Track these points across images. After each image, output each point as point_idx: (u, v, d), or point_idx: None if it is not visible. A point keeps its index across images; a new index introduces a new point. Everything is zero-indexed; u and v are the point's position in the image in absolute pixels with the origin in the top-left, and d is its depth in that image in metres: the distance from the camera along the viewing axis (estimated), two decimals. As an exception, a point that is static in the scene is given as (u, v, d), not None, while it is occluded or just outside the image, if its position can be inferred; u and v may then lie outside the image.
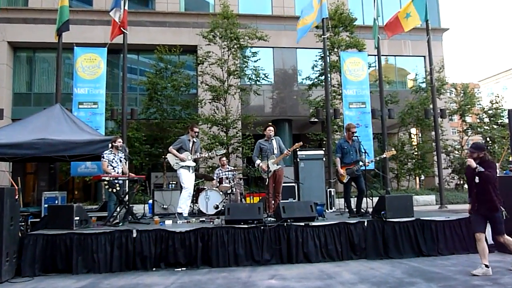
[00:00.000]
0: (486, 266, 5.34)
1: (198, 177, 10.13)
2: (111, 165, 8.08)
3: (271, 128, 8.22)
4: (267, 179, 7.99)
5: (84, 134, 8.39)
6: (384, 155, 8.53)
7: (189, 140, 8.21)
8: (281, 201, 7.76)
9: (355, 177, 8.11)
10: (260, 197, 9.80)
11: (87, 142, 8.02)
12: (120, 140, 8.21)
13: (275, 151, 8.11)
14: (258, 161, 8.11)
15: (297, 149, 10.28)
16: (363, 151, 8.03)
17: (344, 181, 8.12)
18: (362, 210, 8.04)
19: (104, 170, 8.01)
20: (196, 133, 8.25)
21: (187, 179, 8.05)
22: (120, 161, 8.30)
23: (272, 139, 8.18)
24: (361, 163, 8.05)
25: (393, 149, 8.25)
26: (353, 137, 8.19)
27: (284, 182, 9.50)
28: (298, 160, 10.52)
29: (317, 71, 17.67)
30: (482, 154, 5.44)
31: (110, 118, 12.58)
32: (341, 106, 14.44)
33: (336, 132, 16.58)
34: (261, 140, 8.32)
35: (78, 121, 9.11)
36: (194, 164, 8.21)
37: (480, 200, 5.36)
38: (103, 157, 8.01)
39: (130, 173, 7.98)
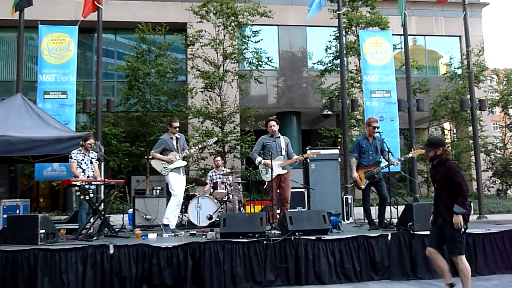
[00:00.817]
0: (450, 286, 5.18)
1: (188, 182, 10.16)
2: (80, 167, 8.11)
3: (273, 123, 8.18)
4: (267, 183, 7.97)
5: (50, 130, 8.47)
6: (411, 155, 8.49)
7: (171, 138, 8.26)
8: (288, 210, 7.76)
9: (375, 182, 8.11)
10: (263, 206, 9.83)
11: (54, 139, 8.11)
12: (92, 140, 8.25)
13: (283, 152, 8.08)
14: (259, 158, 8.08)
15: (308, 148, 10.34)
16: (387, 150, 8.03)
17: (362, 186, 8.13)
18: (386, 221, 8.05)
19: (73, 173, 8.03)
20: (177, 128, 8.31)
21: (178, 184, 8.10)
22: (91, 162, 8.33)
23: (278, 137, 8.16)
24: (382, 164, 8.06)
25: (420, 147, 8.29)
26: (375, 134, 8.18)
27: (292, 188, 9.44)
28: (308, 161, 10.53)
29: (331, 53, 17.66)
30: (440, 151, 5.18)
31: (82, 111, 12.52)
32: (361, 95, 14.41)
33: (354, 127, 16.55)
34: (265, 136, 8.29)
35: (44, 114, 9.19)
36: (184, 163, 8.29)
37: (436, 209, 5.26)
38: (71, 157, 8.05)
39: (105, 178, 8.09)
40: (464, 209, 4.92)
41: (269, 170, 7.80)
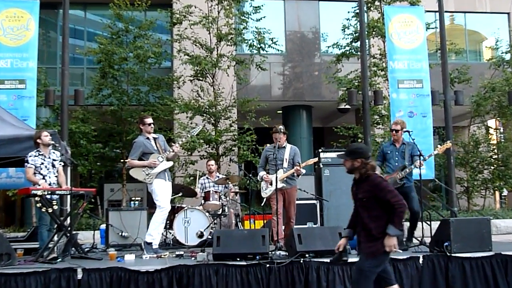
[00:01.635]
0: None
1: (173, 191, 10.13)
2: (39, 172, 8.06)
3: (279, 135, 8.48)
4: (265, 200, 8.37)
5: (5, 127, 8.48)
6: (436, 151, 8.62)
7: (148, 139, 8.40)
8: (296, 226, 7.85)
9: (403, 193, 8.09)
10: (265, 221, 9.87)
11: (10, 139, 8.12)
12: (46, 133, 8.15)
13: (285, 164, 8.44)
14: (262, 173, 8.56)
15: (321, 150, 10.35)
16: (418, 153, 8.16)
17: None
18: (416, 240, 8.07)
19: (30, 180, 8.00)
20: (151, 126, 8.41)
21: (164, 193, 8.21)
22: (54, 165, 8.28)
23: (284, 146, 8.56)
24: (407, 169, 8.16)
25: (448, 141, 8.37)
26: (404, 141, 8.46)
27: (299, 199, 9.76)
28: (321, 166, 10.59)
29: (349, 34, 17.61)
30: (358, 163, 5.13)
31: (44, 104, 12.39)
32: (386, 86, 14.36)
33: (377, 124, 16.53)
34: (269, 146, 8.74)
35: (-3, 107, 9.22)
36: (170, 164, 8.43)
37: (360, 233, 5.23)
38: (27, 162, 8.01)
39: (73, 186, 8.09)
40: (399, 231, 4.92)
41: (269, 184, 8.26)
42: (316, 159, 8.99)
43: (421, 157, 8.14)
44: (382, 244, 4.86)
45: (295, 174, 8.42)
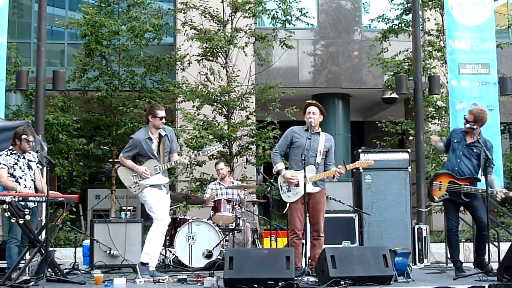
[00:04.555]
0: None
1: (175, 200, 10.27)
2: (11, 174, 8.13)
3: (314, 108, 8.24)
4: (288, 205, 8.11)
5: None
6: None
7: (150, 138, 8.32)
8: (328, 246, 7.79)
9: (464, 203, 8.26)
10: (288, 237, 9.81)
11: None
12: (30, 138, 8.18)
13: (318, 158, 8.15)
14: (280, 165, 8.22)
15: (361, 150, 10.45)
16: (485, 157, 8.11)
17: (436, 198, 8.38)
18: (487, 266, 8.03)
19: (3, 185, 8.07)
20: (162, 120, 8.38)
21: (158, 202, 8.20)
22: (30, 167, 8.35)
23: (318, 133, 8.25)
24: (479, 187, 8.18)
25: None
26: (481, 139, 8.25)
27: (333, 211, 9.88)
28: (361, 170, 10.54)
29: (399, 5, 17.45)
30: None
31: (14, 88, 12.67)
32: (444, 70, 14.39)
33: (432, 118, 16.50)
34: (298, 127, 8.37)
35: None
36: (166, 180, 8.35)
37: None
38: None
39: (49, 191, 7.98)
40: None
41: (294, 186, 7.96)
42: (371, 162, 8.68)
43: (490, 164, 8.06)
44: None
45: (335, 177, 8.21)
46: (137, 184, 8.17)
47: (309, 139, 8.02)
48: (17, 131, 8.21)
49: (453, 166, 8.28)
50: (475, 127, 8.23)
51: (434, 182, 8.33)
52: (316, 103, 8.45)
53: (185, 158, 8.52)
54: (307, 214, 7.97)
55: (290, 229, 8.12)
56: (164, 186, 8.29)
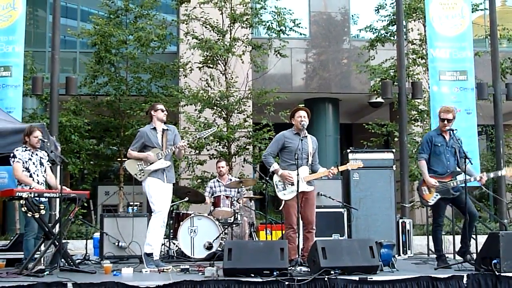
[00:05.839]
0: None
1: (178, 195, 10.21)
2: (26, 169, 8.05)
3: (303, 113, 8.10)
4: (283, 202, 8.00)
5: (-14, 120, 8.67)
6: (503, 172, 8.46)
7: (154, 128, 8.35)
8: (319, 239, 7.64)
9: (453, 198, 8.09)
10: (284, 232, 9.65)
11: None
12: (37, 134, 8.14)
13: (309, 159, 8.09)
14: (275, 165, 8.08)
15: (349, 151, 10.44)
16: (464, 155, 7.95)
17: (430, 201, 8.09)
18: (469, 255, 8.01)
19: (18, 178, 7.98)
20: (164, 113, 8.46)
21: (158, 194, 8.17)
22: (41, 164, 8.27)
23: (306, 136, 8.14)
24: (460, 177, 7.96)
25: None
26: (450, 131, 8.13)
27: (324, 207, 9.96)
28: (350, 169, 10.22)
29: (385, 16, 17.52)
30: None
31: (30, 93, 12.60)
32: (426, 77, 14.34)
33: (415, 121, 16.53)
34: (287, 131, 8.21)
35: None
36: (168, 163, 8.27)
37: None
38: (15, 157, 7.99)
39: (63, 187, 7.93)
40: None
41: (289, 184, 7.86)
42: (361, 164, 8.62)
43: (467, 159, 7.87)
44: None
45: (328, 176, 8.20)
46: (142, 171, 8.21)
47: (301, 140, 7.99)
48: (25, 129, 8.26)
49: (445, 168, 8.07)
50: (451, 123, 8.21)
51: (422, 188, 8.17)
52: (305, 107, 8.38)
53: (183, 142, 8.50)
54: (299, 210, 7.91)
55: (287, 224, 8.07)
56: (166, 175, 8.23)
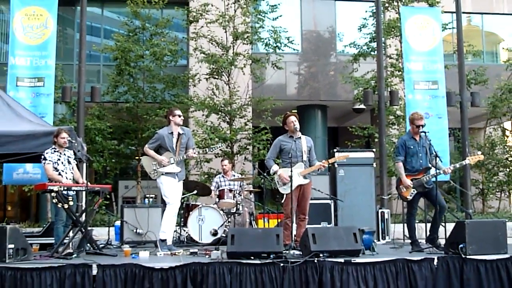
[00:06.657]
0: None
1: (188, 189, 10.20)
2: (55, 169, 8.14)
3: (294, 118, 8.21)
4: (285, 195, 8.06)
5: (23, 123, 8.53)
6: (467, 161, 8.52)
7: (171, 132, 8.27)
8: (310, 226, 7.74)
9: (426, 192, 8.17)
10: (279, 220, 9.79)
11: (27, 134, 8.18)
12: (64, 135, 8.20)
13: (304, 157, 8.13)
14: (275, 167, 8.15)
15: (336, 150, 10.37)
16: (434, 153, 8.08)
17: (409, 197, 8.18)
18: (439, 241, 8.08)
19: (50, 177, 8.06)
20: (181, 118, 8.35)
21: (172, 190, 8.16)
22: (69, 162, 8.35)
23: (300, 137, 8.20)
24: (433, 172, 8.07)
25: (479, 152, 8.25)
26: (421, 133, 8.23)
27: (314, 198, 9.66)
28: (336, 166, 10.56)
29: (366, 34, 17.59)
30: None
31: (60, 100, 12.68)
32: (402, 86, 14.33)
33: (392, 125, 16.53)
34: (282, 136, 8.32)
35: (16, 104, 9.19)
36: (178, 169, 8.25)
37: None
38: (45, 159, 8.08)
39: (88, 182, 8.05)
40: None
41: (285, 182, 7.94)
42: (347, 154, 8.90)
43: (437, 157, 8.02)
44: None
45: (319, 170, 8.22)
46: (156, 171, 8.16)
47: (295, 141, 8.07)
48: (55, 131, 8.26)
49: (419, 166, 8.16)
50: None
51: (400, 187, 8.22)
52: (293, 113, 8.43)
53: (193, 153, 8.44)
54: (297, 202, 8.07)
55: (285, 214, 8.11)
56: (177, 175, 8.22)
